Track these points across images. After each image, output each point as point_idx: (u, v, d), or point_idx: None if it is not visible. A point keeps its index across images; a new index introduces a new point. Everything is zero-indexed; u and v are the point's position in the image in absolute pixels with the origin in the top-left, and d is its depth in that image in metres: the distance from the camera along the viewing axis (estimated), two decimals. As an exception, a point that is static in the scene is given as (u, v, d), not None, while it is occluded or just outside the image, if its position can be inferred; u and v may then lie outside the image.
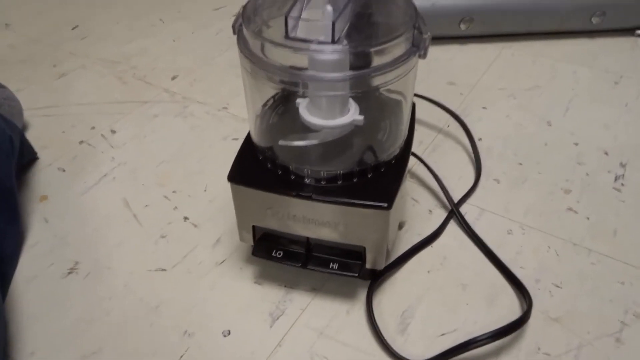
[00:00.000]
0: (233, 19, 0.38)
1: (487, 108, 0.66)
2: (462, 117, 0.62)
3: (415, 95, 0.64)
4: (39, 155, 0.59)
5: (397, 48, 0.35)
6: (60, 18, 0.86)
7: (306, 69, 0.35)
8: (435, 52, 0.76)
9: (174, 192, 0.55)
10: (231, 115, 0.65)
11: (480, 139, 0.61)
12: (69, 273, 0.47)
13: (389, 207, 0.38)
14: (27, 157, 0.57)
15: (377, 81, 0.36)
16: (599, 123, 0.63)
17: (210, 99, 0.68)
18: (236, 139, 0.62)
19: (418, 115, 0.64)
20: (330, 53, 0.33)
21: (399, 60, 0.35)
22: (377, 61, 0.35)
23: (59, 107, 0.67)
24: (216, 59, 0.76)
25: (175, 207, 0.53)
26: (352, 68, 0.35)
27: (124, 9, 0.88)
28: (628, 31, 0.79)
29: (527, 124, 0.63)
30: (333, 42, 0.33)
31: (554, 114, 0.64)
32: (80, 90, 0.70)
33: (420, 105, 0.63)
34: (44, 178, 0.57)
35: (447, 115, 0.63)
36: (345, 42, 0.35)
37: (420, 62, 0.37)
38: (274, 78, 0.36)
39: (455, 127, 0.62)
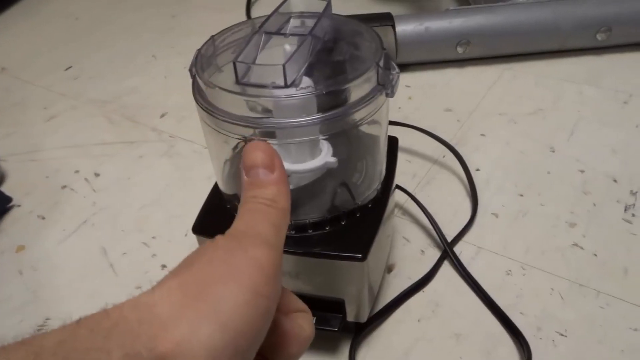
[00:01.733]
0: None
1: (485, 135, 0.62)
2: (459, 146, 0.59)
3: (408, 125, 0.61)
4: (20, 202, 0.58)
5: (360, 88, 0.32)
6: (56, 59, 0.86)
7: (264, 112, 0.33)
8: (432, 76, 0.73)
9: (153, 237, 0.53)
10: (217, 153, 0.63)
11: (478, 170, 0.57)
12: (39, 330, 0.45)
13: (364, 258, 0.35)
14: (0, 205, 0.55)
15: (344, 123, 0.33)
16: (606, 147, 0.59)
17: (197, 136, 0.66)
18: (221, 178, 0.59)
19: (412, 145, 0.60)
20: (286, 97, 0.31)
21: (365, 100, 0.32)
22: (342, 101, 0.33)
23: (45, 151, 0.66)
24: (206, 94, 0.74)
25: (154, 255, 0.51)
26: (318, 109, 0.32)
27: (118, 48, 0.88)
28: (636, 46, 0.75)
29: (529, 151, 0.59)
30: (286, 85, 0.30)
31: (558, 139, 0.60)
32: (68, 132, 0.69)
33: (414, 135, 0.60)
34: (23, 227, 0.55)
35: (442, 145, 0.59)
36: (305, 83, 0.32)
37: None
38: (234, 129, 0.33)
39: (452, 157, 0.58)
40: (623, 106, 0.65)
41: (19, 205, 0.58)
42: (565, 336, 0.41)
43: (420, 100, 0.68)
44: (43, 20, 0.99)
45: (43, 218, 0.56)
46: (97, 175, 0.61)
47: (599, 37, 0.73)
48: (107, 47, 0.88)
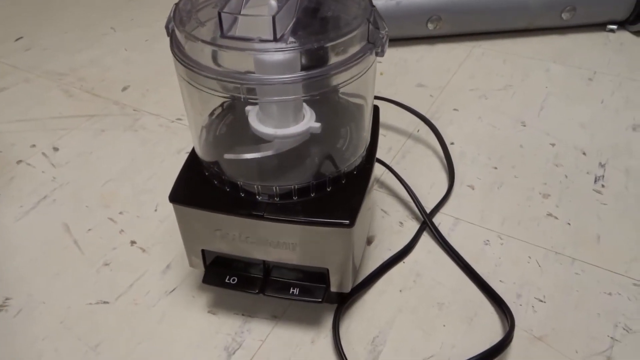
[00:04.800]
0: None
1: (458, 110, 0.62)
2: (433, 121, 0.59)
3: (383, 99, 0.60)
4: (-30, 178, 0.54)
5: (351, 45, 0.31)
6: (3, 30, 0.80)
7: (251, 70, 0.31)
8: (403, 53, 0.73)
9: (120, 213, 0.50)
10: (186, 127, 0.60)
11: (452, 143, 0.57)
12: (-2, 311, 0.42)
13: (352, 224, 0.34)
14: None
15: (331, 82, 0.32)
16: (575, 122, 0.60)
17: (163, 110, 0.63)
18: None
19: (386, 120, 0.60)
20: (273, 52, 0.29)
21: (354, 58, 0.31)
22: (330, 60, 0.31)
23: (-3, 125, 0.61)
24: (170, 68, 0.70)
25: (122, 230, 0.48)
26: (303, 69, 0.31)
27: (73, 19, 0.83)
28: (599, 26, 0.77)
29: (501, 126, 0.60)
30: (275, 39, 0.29)
31: (528, 114, 0.61)
32: (22, 105, 0.64)
33: (388, 109, 0.60)
34: (-25, 204, 0.51)
35: (417, 120, 0.59)
36: (291, 39, 0.30)
37: (388, 63, 0.34)
38: (214, 84, 0.31)
39: (426, 131, 0.58)
40: (588, 83, 0.66)
41: (-31, 181, 0.54)
42: (544, 302, 0.42)
43: (392, 76, 0.68)
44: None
45: (-3, 194, 0.52)
46: (55, 149, 0.57)
47: (564, 16, 0.74)
48: (61, 19, 0.83)
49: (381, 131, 0.58)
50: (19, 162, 0.56)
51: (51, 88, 0.68)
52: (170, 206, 0.50)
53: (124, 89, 0.67)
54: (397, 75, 0.68)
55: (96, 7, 0.86)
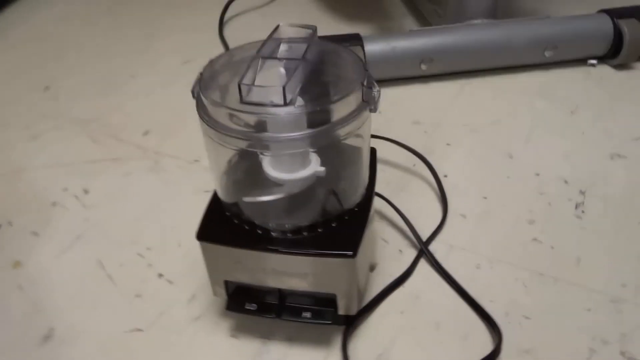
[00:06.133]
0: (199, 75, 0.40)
1: (451, 145, 0.68)
2: (428, 155, 0.64)
3: (381, 137, 0.66)
4: (12, 220, 0.59)
5: (349, 105, 0.37)
6: (32, 80, 0.87)
7: (264, 128, 0.37)
8: (399, 91, 0.79)
9: (147, 249, 0.56)
10: (203, 168, 0.66)
11: (445, 176, 0.63)
12: (45, 340, 0.47)
13: (354, 255, 0.39)
14: None
15: (333, 136, 0.38)
16: (557, 153, 0.65)
17: (181, 152, 0.69)
18: (208, 191, 0.62)
19: (385, 156, 0.66)
20: (284, 115, 0.35)
21: (352, 116, 0.37)
22: (330, 117, 0.37)
23: (32, 170, 0.67)
24: (187, 113, 0.77)
25: (150, 265, 0.54)
26: (308, 125, 0.37)
27: (95, 69, 0.90)
28: (580, 61, 0.83)
29: (490, 158, 0.65)
30: (285, 104, 0.35)
31: (515, 147, 0.67)
32: (52, 151, 0.71)
33: (387, 146, 0.65)
34: (17, 243, 0.57)
35: (413, 155, 0.65)
36: (299, 102, 0.36)
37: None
38: (234, 141, 0.37)
39: (422, 165, 0.64)
40: (570, 115, 0.72)
41: (10, 223, 0.59)
42: (530, 319, 0.47)
43: (389, 114, 0.74)
44: (14, 42, 1.00)
45: (36, 234, 0.58)
46: (86, 192, 0.64)
47: (547, 53, 0.81)
48: (83, 68, 0.90)
49: (380, 166, 0.64)
50: (54, 204, 0.62)
51: (78, 134, 0.74)
52: (192, 241, 0.56)
53: (145, 133, 0.73)
54: (394, 113, 0.74)
55: (115, 56, 0.93)
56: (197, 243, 0.54)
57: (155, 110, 0.78)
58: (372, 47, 0.78)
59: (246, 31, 0.99)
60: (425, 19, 0.95)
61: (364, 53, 0.77)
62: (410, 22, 0.99)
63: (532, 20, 0.82)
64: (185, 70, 0.88)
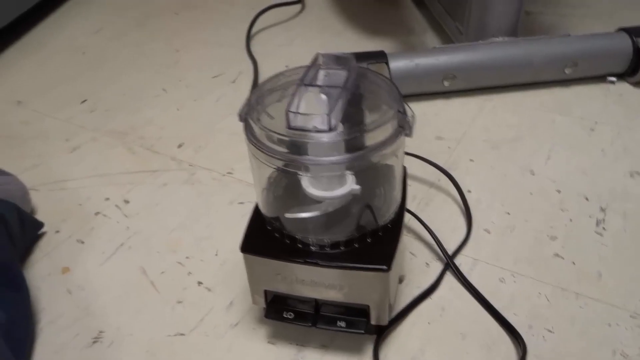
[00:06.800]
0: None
1: (474, 160, 0.70)
2: (451, 171, 0.67)
3: (407, 153, 0.69)
4: (59, 228, 0.63)
5: (386, 130, 0.40)
6: (69, 93, 0.91)
7: (306, 151, 0.40)
8: (422, 107, 0.82)
9: (186, 258, 0.59)
10: (236, 180, 0.70)
11: (469, 191, 0.65)
12: (94, 342, 0.50)
13: (388, 269, 0.42)
14: (31, 229, 0.61)
15: (369, 159, 0.41)
16: (578, 169, 0.68)
17: (215, 165, 0.72)
18: (242, 203, 0.66)
19: (411, 171, 0.68)
20: (327, 140, 0.38)
21: (388, 141, 0.40)
22: (368, 142, 0.40)
23: (75, 180, 0.71)
24: (218, 125, 0.81)
25: (189, 273, 0.57)
26: (346, 149, 0.40)
27: (128, 81, 0.94)
28: (600, 78, 0.85)
29: (512, 174, 0.68)
30: (330, 130, 0.38)
31: (536, 163, 0.69)
32: (92, 162, 0.75)
33: (412, 161, 0.68)
34: (65, 250, 0.61)
35: (438, 170, 0.67)
36: (339, 128, 0.39)
37: None
38: (279, 162, 0.40)
39: (446, 180, 0.66)
40: (590, 133, 0.74)
41: (57, 231, 0.63)
42: (553, 332, 0.49)
43: (414, 129, 0.76)
44: (50, 55, 1.04)
45: (82, 242, 0.61)
46: (126, 202, 0.67)
47: (567, 70, 0.83)
48: (117, 81, 0.94)
49: (407, 181, 0.67)
50: (97, 213, 0.65)
51: (115, 146, 0.78)
52: (227, 251, 0.59)
53: (179, 145, 0.77)
54: (417, 128, 0.76)
55: (146, 69, 0.97)
56: (232, 253, 0.58)
57: (187, 123, 0.82)
58: (397, 64, 0.80)
59: (272, 45, 1.03)
60: (446, 35, 0.98)
61: (389, 69, 0.80)
62: (431, 37, 1.01)
63: (553, 38, 0.84)
64: (215, 84, 0.91)
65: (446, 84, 0.82)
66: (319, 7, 1.17)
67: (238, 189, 0.68)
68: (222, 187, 0.69)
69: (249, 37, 1.04)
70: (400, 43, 1.00)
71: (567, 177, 0.66)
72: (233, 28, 1.08)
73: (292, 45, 1.03)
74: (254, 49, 1.01)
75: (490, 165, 0.69)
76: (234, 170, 0.71)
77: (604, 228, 0.59)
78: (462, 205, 0.63)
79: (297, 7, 1.17)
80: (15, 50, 1.06)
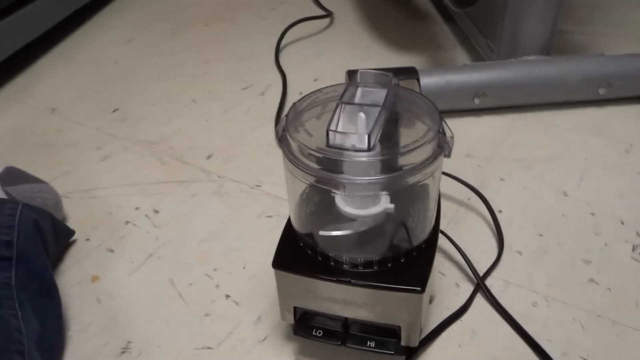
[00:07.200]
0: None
1: (504, 180, 0.69)
2: (482, 190, 0.66)
3: (437, 170, 0.68)
4: (89, 236, 0.64)
5: (424, 151, 0.39)
6: (101, 102, 0.93)
7: (342, 169, 0.40)
8: (453, 124, 0.79)
9: (215, 270, 0.59)
10: (264, 193, 0.70)
11: (500, 211, 0.64)
12: (122, 352, 0.51)
13: (422, 290, 0.42)
14: (64, 237, 0.61)
15: (407, 181, 0.40)
16: (613, 192, 0.66)
17: (244, 177, 0.73)
18: (270, 216, 0.66)
19: (441, 188, 0.67)
20: (366, 160, 0.38)
21: (426, 162, 0.39)
22: (406, 162, 0.40)
23: (106, 189, 0.72)
24: (247, 137, 0.82)
25: (217, 285, 0.57)
26: (382, 169, 0.39)
27: (158, 91, 0.95)
28: (635, 99, 0.83)
29: (544, 195, 0.66)
30: (369, 150, 0.37)
31: (569, 184, 0.68)
32: (123, 171, 0.76)
33: (442, 179, 0.67)
34: (94, 259, 0.61)
35: (468, 189, 0.67)
36: (377, 147, 0.39)
37: None
38: (314, 179, 0.40)
39: (476, 199, 0.65)
40: (625, 155, 0.73)
41: (88, 239, 0.64)
42: (588, 360, 0.48)
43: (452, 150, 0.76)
44: (82, 64, 1.06)
45: (112, 251, 0.62)
46: (156, 212, 0.68)
47: (601, 91, 0.81)
48: (148, 91, 0.96)
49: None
50: (127, 222, 0.66)
51: (146, 155, 0.79)
52: (256, 264, 0.59)
53: (209, 157, 0.77)
54: (447, 145, 0.76)
55: (176, 81, 0.98)
56: (260, 266, 0.58)
57: (216, 134, 0.83)
58: (428, 81, 0.80)
59: (300, 58, 1.03)
60: (476, 51, 0.97)
61: (419, 85, 0.80)
62: (460, 53, 1.01)
63: (587, 58, 0.83)
64: (244, 96, 0.92)
65: (477, 101, 0.82)
66: (347, 21, 1.17)
67: (267, 202, 0.68)
68: (251, 199, 0.69)
69: (278, 50, 1.05)
70: (429, 59, 1.00)
71: (602, 199, 0.65)
72: (262, 40, 1.09)
73: (320, 59, 1.03)
74: (282, 61, 1.02)
75: (521, 185, 0.68)
76: (262, 183, 0.71)
77: (640, 254, 0.58)
78: (493, 226, 0.62)
79: (326, 21, 1.17)
80: (49, 59, 1.09)
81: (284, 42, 1.08)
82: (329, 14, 1.18)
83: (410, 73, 0.80)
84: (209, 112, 0.89)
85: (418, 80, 0.80)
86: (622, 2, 1.15)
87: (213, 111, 0.89)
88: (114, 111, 0.90)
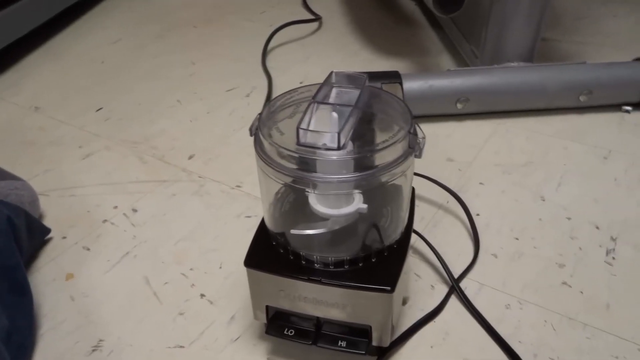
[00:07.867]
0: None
1: (484, 184, 0.70)
2: (461, 193, 0.67)
3: (416, 174, 0.68)
4: (66, 234, 0.64)
5: (395, 151, 0.40)
6: (86, 100, 0.93)
7: (314, 168, 0.40)
8: (434, 129, 0.82)
9: (191, 269, 0.59)
10: (244, 193, 0.70)
11: (478, 214, 0.64)
12: (94, 350, 0.50)
13: (392, 290, 0.42)
14: (38, 235, 0.61)
15: (378, 179, 0.41)
16: (589, 198, 0.67)
17: (224, 177, 0.73)
18: (249, 217, 0.66)
19: (420, 191, 0.68)
20: (337, 158, 0.38)
21: (397, 162, 0.40)
22: (377, 161, 0.40)
23: (85, 187, 0.72)
24: (230, 138, 0.82)
25: (193, 285, 0.57)
26: (355, 168, 0.40)
27: (144, 91, 0.95)
28: (615, 107, 0.84)
29: (522, 200, 0.67)
30: (339, 148, 0.38)
31: (547, 189, 0.68)
32: (103, 170, 0.75)
33: (421, 182, 0.68)
34: (70, 256, 0.61)
35: (447, 192, 0.67)
36: (349, 146, 0.39)
37: None
38: (287, 178, 0.40)
39: (455, 203, 0.66)
40: (603, 161, 0.73)
41: (64, 237, 0.63)
42: (558, 362, 0.48)
43: (425, 149, 0.76)
44: (69, 63, 1.06)
45: (88, 249, 0.62)
46: (134, 211, 0.67)
47: (582, 98, 0.82)
48: (133, 91, 0.96)
49: (415, 202, 0.66)
50: (104, 221, 0.66)
51: (127, 155, 0.79)
52: (232, 264, 0.59)
53: (190, 157, 0.77)
54: (428, 149, 0.76)
55: (162, 82, 0.98)
56: (237, 267, 0.58)
57: (199, 135, 0.83)
58: (411, 85, 0.81)
59: (287, 61, 1.04)
60: (462, 57, 0.98)
61: (402, 90, 0.80)
62: (446, 59, 1.02)
63: (568, 65, 0.84)
64: (229, 98, 0.92)
65: (459, 106, 0.82)
66: (336, 25, 1.18)
67: (246, 202, 0.68)
68: (231, 199, 0.69)
69: (265, 53, 1.05)
70: (415, 64, 1.01)
71: (579, 204, 0.66)
72: (250, 43, 1.09)
73: (307, 63, 1.04)
74: (269, 64, 1.02)
75: (500, 189, 0.69)
76: (242, 184, 0.71)
77: (613, 258, 0.58)
78: (470, 229, 0.62)
79: (314, 25, 1.18)
80: (36, 58, 1.08)
81: (272, 45, 1.09)
82: (317, 18, 1.19)
83: (393, 77, 0.81)
84: (194, 113, 0.89)
85: (401, 84, 0.80)
86: (608, 13, 1.17)
87: (197, 112, 0.89)
88: (98, 110, 0.90)
